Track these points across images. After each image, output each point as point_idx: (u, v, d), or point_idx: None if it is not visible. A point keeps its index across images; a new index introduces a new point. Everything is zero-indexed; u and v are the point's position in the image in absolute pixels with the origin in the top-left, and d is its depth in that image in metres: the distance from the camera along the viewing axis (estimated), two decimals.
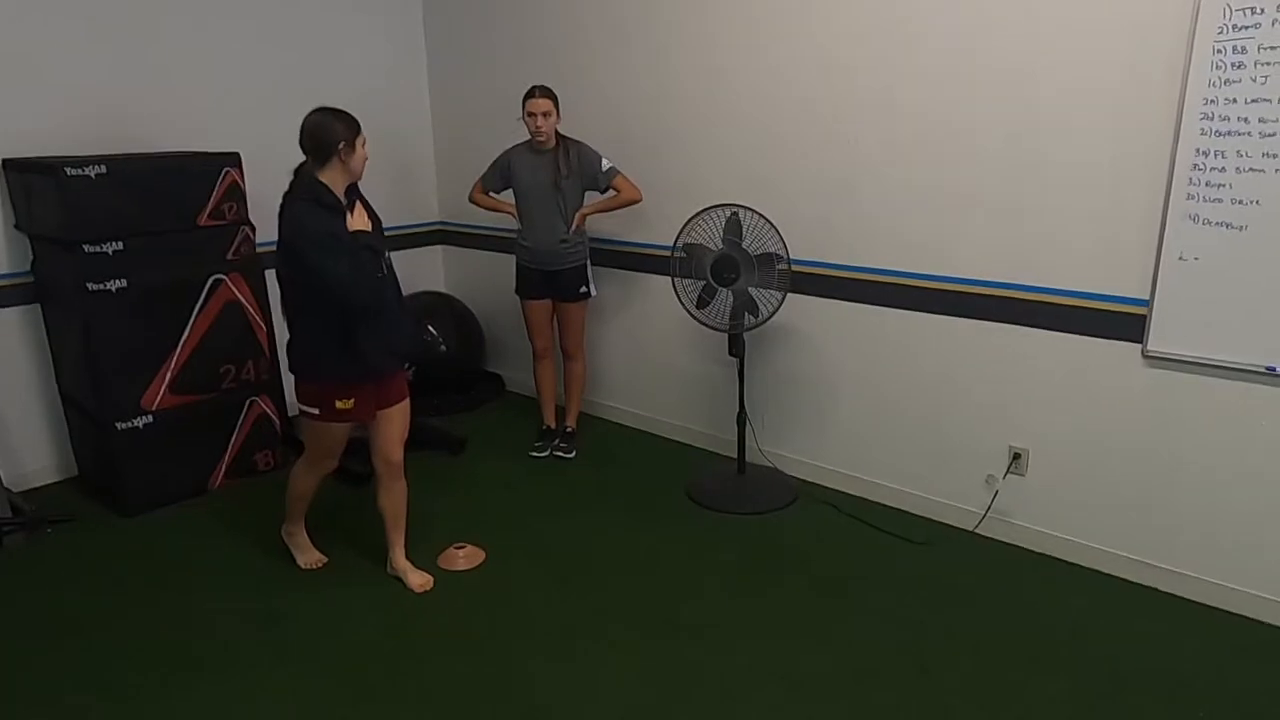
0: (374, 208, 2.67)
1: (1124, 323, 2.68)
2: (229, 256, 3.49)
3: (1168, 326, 2.60)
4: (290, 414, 3.64)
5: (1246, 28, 2.33)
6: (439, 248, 4.97)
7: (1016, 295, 2.89)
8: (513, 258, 3.79)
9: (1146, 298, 2.62)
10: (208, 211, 3.41)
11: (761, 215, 3.18)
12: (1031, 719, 2.19)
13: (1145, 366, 2.67)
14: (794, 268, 3.22)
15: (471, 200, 3.76)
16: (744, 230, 3.21)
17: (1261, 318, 2.44)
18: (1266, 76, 2.32)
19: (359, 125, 2.54)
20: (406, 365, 2.82)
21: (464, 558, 2.96)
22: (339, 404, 2.62)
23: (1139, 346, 2.66)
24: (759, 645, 2.52)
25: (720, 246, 3.25)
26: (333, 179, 2.51)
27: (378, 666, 2.44)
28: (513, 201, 3.69)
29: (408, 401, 2.79)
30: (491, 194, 3.73)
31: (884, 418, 3.32)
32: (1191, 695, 2.26)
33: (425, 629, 2.63)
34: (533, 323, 3.82)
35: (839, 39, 3.10)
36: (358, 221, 2.53)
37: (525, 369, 4.07)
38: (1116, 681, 2.32)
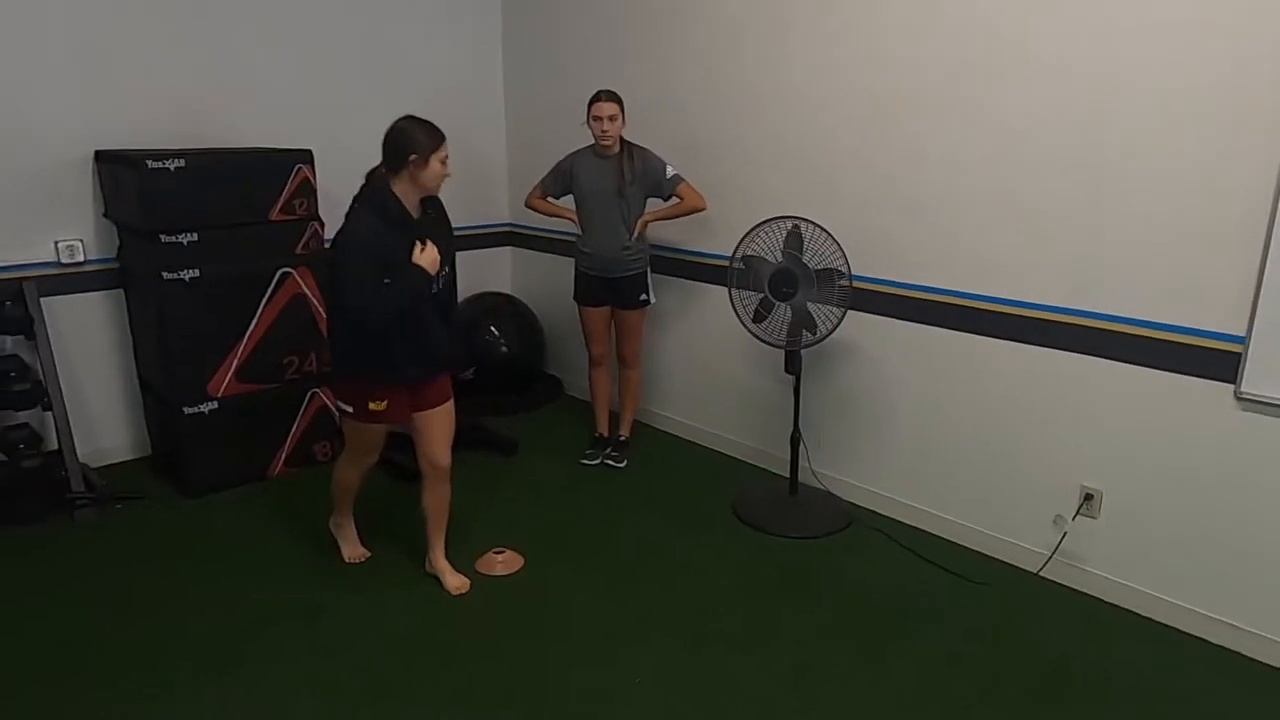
0: (447, 215, 2.69)
1: (1214, 360, 2.47)
2: (297, 251, 3.58)
3: (1266, 366, 2.38)
4: None
5: None
6: (507, 249, 5.01)
7: (1093, 324, 2.69)
8: (575, 264, 3.77)
9: (1243, 334, 2.40)
10: (279, 206, 3.51)
11: (823, 229, 3.07)
12: None
13: (1238, 409, 2.45)
14: (855, 284, 3.10)
15: (528, 205, 3.75)
16: (805, 243, 3.11)
17: None
18: None
19: (442, 139, 2.49)
20: (465, 369, 2.84)
21: (502, 563, 2.95)
22: (372, 405, 2.62)
23: (1231, 387, 2.44)
24: (801, 668, 2.42)
25: (780, 260, 3.16)
26: (404, 189, 2.49)
27: (411, 666, 2.45)
28: (572, 207, 3.68)
29: (451, 404, 2.78)
30: (550, 199, 3.71)
31: (946, 446, 3.15)
32: None
33: (460, 632, 2.62)
34: (590, 329, 3.79)
35: (906, 35, 2.97)
36: (427, 256, 2.49)
37: (584, 373, 4.05)
38: None
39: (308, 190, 3.57)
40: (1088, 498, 2.79)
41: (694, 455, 4.00)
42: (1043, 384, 2.85)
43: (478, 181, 4.73)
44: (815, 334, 3.16)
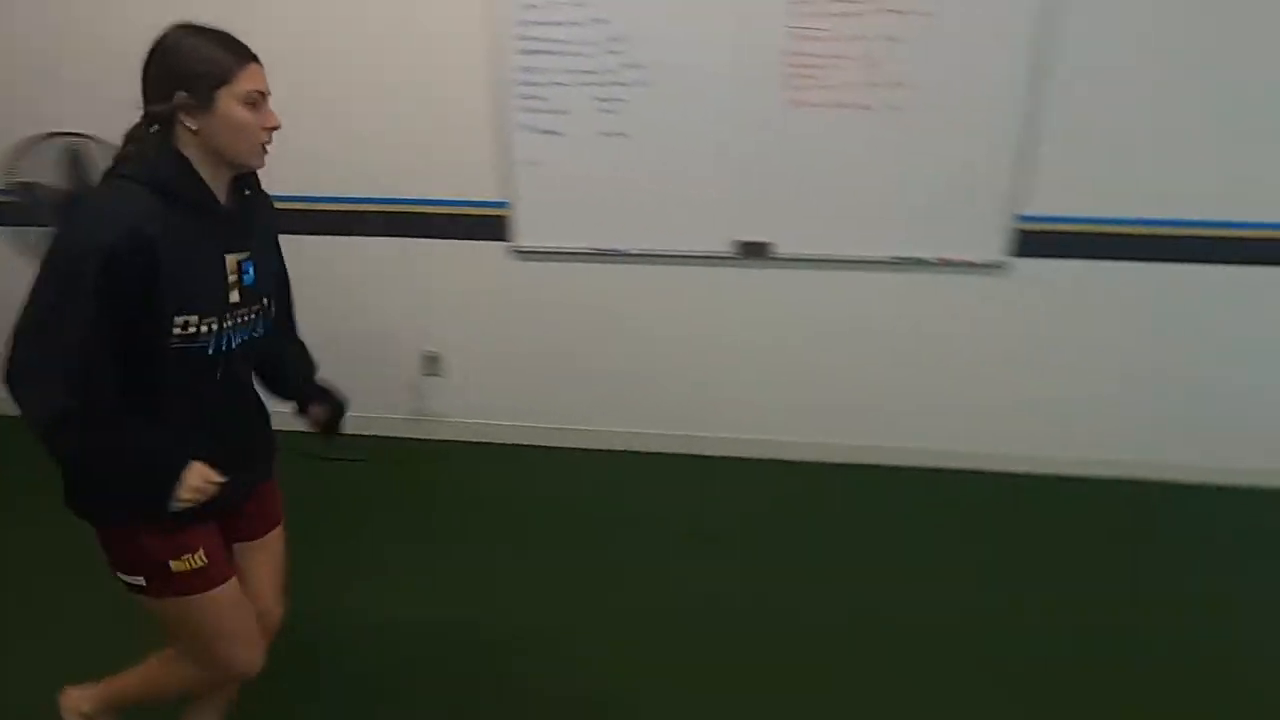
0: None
1: (494, 225, 3.02)
2: None
3: (525, 224, 3.00)
4: None
5: None
6: None
7: (399, 209, 3.03)
8: None
9: (506, 199, 2.97)
10: None
11: (110, 145, 2.76)
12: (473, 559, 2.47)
13: (515, 259, 3.06)
14: None
15: None
16: (89, 163, 2.77)
17: (586, 210, 2.95)
18: (555, 3, 2.73)
19: (248, 59, 1.36)
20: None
21: None
22: (175, 564, 1.44)
23: (508, 244, 3.04)
24: None
25: (63, 183, 2.77)
26: (195, 156, 1.35)
27: None
28: None
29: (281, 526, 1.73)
30: None
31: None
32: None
33: None
34: None
35: None
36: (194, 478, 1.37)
37: None
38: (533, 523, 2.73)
39: None
40: (431, 359, 3.22)
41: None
42: (374, 269, 3.13)
43: None
44: None
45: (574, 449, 3.24)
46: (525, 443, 3.26)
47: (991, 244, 2.86)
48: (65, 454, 1.33)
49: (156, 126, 1.33)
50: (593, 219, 2.97)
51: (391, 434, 3.30)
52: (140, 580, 1.44)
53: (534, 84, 2.83)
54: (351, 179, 3.02)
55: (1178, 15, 2.52)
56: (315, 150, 2.97)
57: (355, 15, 2.82)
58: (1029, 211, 2.77)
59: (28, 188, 2.77)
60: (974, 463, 3.07)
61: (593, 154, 2.87)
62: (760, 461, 3.14)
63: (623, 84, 2.80)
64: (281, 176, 2.91)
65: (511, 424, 3.27)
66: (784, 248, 2.92)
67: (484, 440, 3.28)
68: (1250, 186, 2.67)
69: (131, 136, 1.34)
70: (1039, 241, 2.80)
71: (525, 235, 3.01)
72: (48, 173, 2.76)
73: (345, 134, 2.96)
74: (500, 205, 2.98)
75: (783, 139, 2.79)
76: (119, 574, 1.46)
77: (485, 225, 3.02)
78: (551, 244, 3.01)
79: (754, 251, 2.92)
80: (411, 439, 3.29)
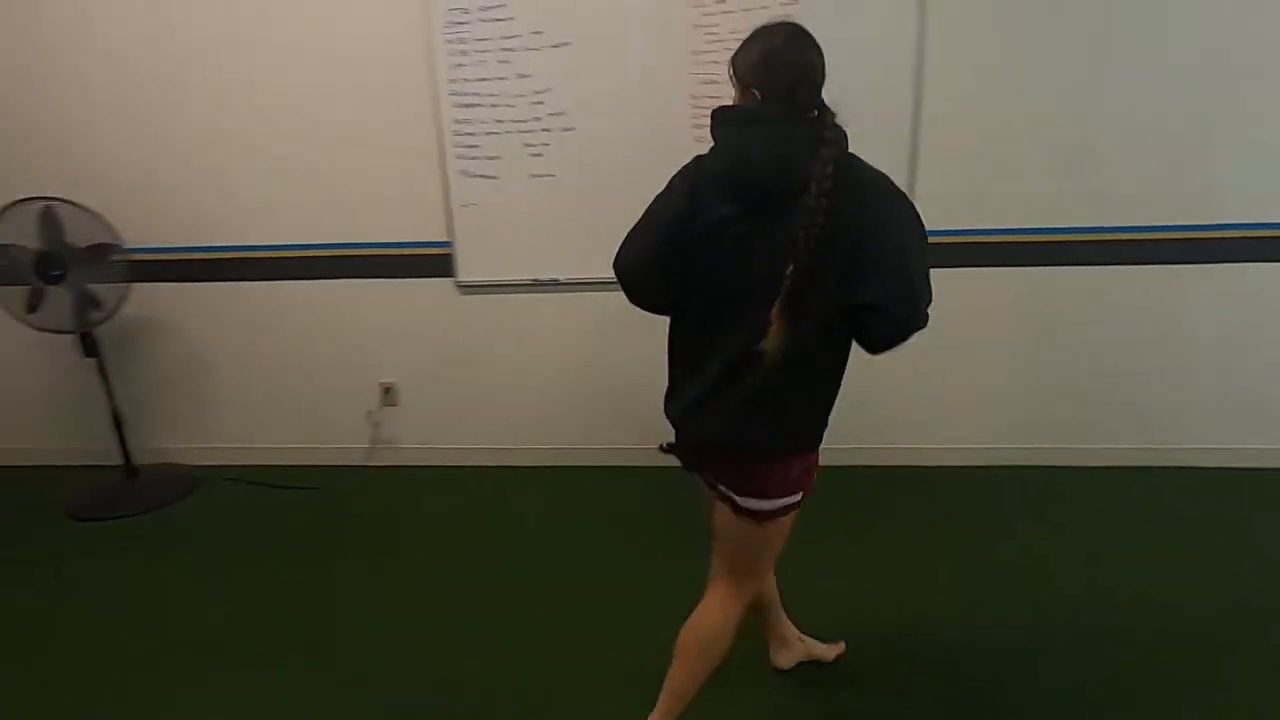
0: None
1: (439, 263, 3.29)
2: None
3: (466, 261, 3.28)
4: None
5: (461, 23, 3.02)
6: None
7: (357, 254, 3.30)
8: None
9: (449, 239, 3.25)
10: None
11: (79, 205, 3.03)
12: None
13: (460, 294, 3.33)
14: (134, 256, 3.16)
15: None
16: (62, 224, 3.03)
17: (523, 246, 3.23)
18: (483, 60, 3.05)
19: None
20: None
21: None
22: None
23: (453, 280, 3.30)
24: (166, 623, 2.54)
25: (38, 244, 3.02)
26: None
27: None
28: None
29: None
30: None
31: (264, 385, 3.50)
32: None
33: None
34: None
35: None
36: None
37: None
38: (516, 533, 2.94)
39: None
40: (386, 390, 3.46)
41: (4, 478, 3.56)
42: (330, 309, 3.38)
43: None
44: (103, 310, 3.14)
45: (521, 467, 3.47)
46: (477, 464, 3.49)
47: None
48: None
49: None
50: (528, 253, 3.24)
51: (351, 463, 3.52)
52: (797, 497, 1.68)
53: (469, 134, 3.13)
54: (306, 226, 3.28)
55: (1018, 52, 2.88)
56: (276, 199, 3.25)
57: (309, 72, 3.12)
58: None
59: (5, 250, 3.02)
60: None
61: (524, 194, 3.17)
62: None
63: (548, 130, 3.11)
64: (243, 225, 3.23)
65: (461, 447, 3.50)
66: None
67: (436, 464, 3.50)
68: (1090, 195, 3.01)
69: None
70: None
71: (466, 271, 3.28)
72: (23, 235, 3.01)
73: (303, 185, 3.23)
74: (444, 245, 3.25)
75: None
76: (779, 498, 1.65)
77: (432, 264, 3.28)
78: (492, 278, 3.28)
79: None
80: (370, 466, 3.51)
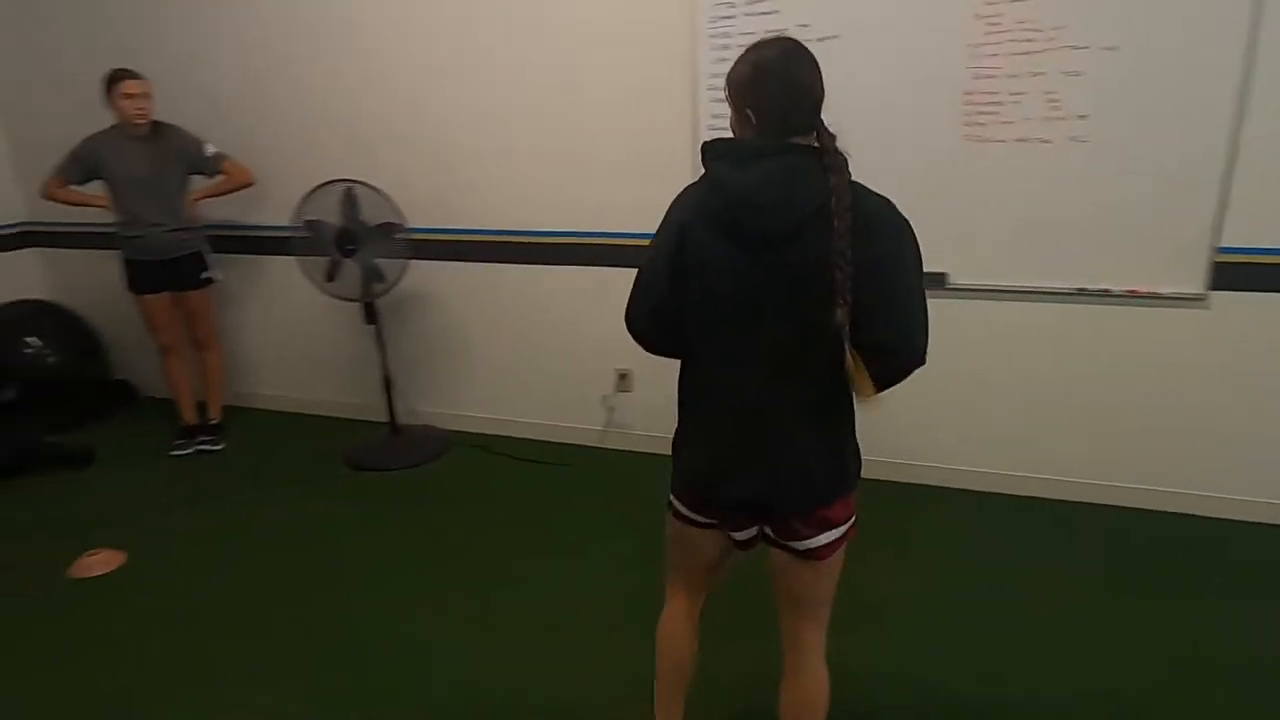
0: None
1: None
2: None
3: None
4: None
5: (727, 17, 3.01)
6: (30, 251, 4.46)
7: (603, 243, 3.42)
8: (121, 254, 3.58)
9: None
10: None
11: (373, 188, 3.39)
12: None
13: None
14: (417, 235, 3.49)
15: (48, 196, 3.48)
16: (359, 203, 3.40)
17: None
18: None
19: None
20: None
21: (101, 562, 2.85)
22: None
23: None
24: (413, 575, 2.80)
25: (339, 221, 3.41)
26: None
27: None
28: (101, 194, 3.49)
29: None
30: (74, 187, 3.48)
31: (513, 362, 3.74)
32: None
33: (50, 641, 2.52)
34: (152, 318, 3.66)
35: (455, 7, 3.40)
36: None
37: (158, 371, 3.88)
38: None
39: None
40: (622, 376, 3.57)
41: (296, 424, 4.10)
42: (578, 294, 3.54)
43: None
44: (385, 283, 3.49)
45: None
46: None
47: (1188, 276, 2.78)
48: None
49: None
50: None
51: (585, 442, 3.68)
52: (851, 521, 1.59)
53: (722, 129, 3.12)
54: (563, 215, 3.45)
55: None
56: (536, 188, 3.44)
57: (572, 70, 3.27)
58: (1229, 244, 2.68)
59: (313, 225, 3.44)
60: (1156, 503, 2.96)
61: None
62: (922, 487, 3.20)
63: None
64: (506, 212, 3.46)
65: None
66: (959, 278, 3.00)
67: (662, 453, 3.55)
68: None
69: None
70: (1239, 274, 2.70)
71: None
72: (328, 212, 3.41)
73: (562, 176, 3.40)
74: None
75: (960, 173, 2.89)
76: (839, 529, 1.56)
77: None
78: None
79: (930, 283, 3.01)
80: (603, 448, 3.65)
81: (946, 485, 3.20)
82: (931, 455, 3.21)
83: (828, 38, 2.92)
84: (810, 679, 1.67)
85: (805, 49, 1.43)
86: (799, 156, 1.40)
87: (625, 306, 1.58)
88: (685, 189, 1.53)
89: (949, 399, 3.12)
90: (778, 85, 1.41)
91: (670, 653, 1.81)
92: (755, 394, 1.48)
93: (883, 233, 1.41)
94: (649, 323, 1.57)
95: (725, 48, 3.04)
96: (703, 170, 1.48)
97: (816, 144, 1.41)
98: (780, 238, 1.40)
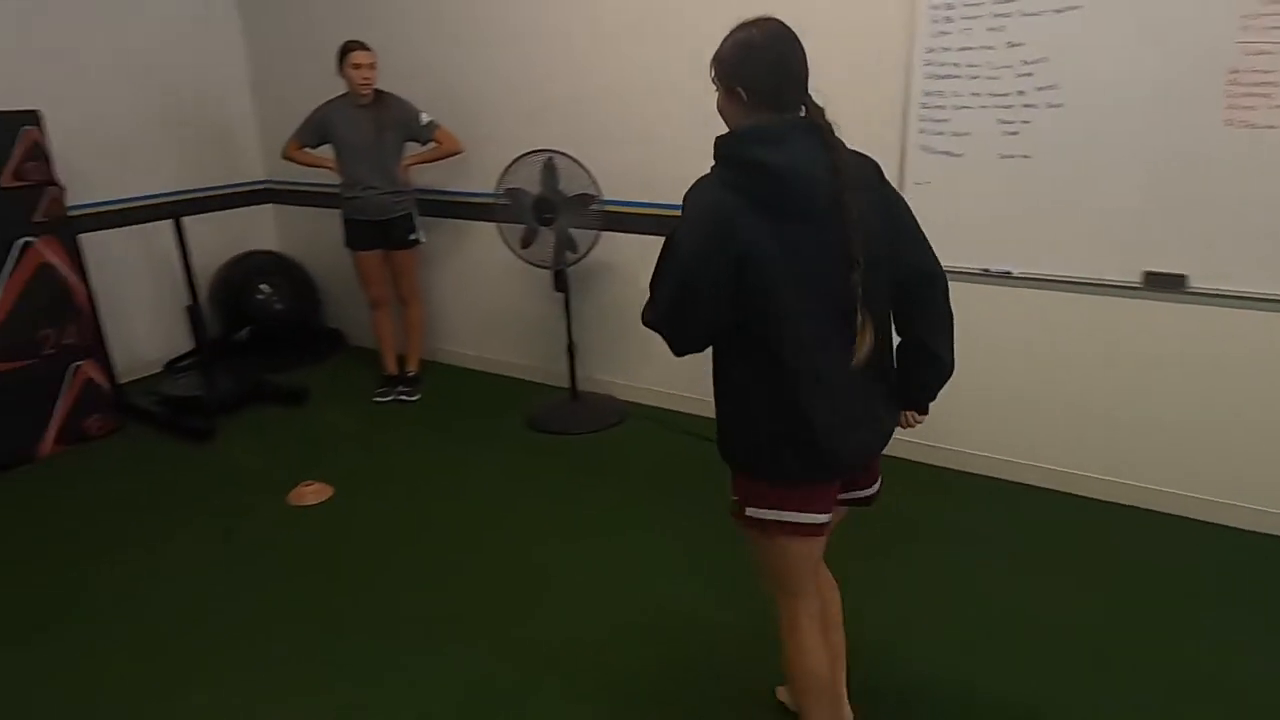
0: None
1: None
2: (37, 219, 3.41)
3: None
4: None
5: None
6: (269, 207, 4.95)
7: None
8: (341, 213, 3.89)
9: None
10: (9, 171, 3.31)
11: (573, 159, 3.46)
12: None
13: None
14: (607, 207, 3.54)
15: (286, 157, 3.82)
16: (558, 174, 3.49)
17: (977, 231, 2.98)
18: (969, 29, 2.82)
19: None
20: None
21: (313, 493, 3.13)
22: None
23: None
24: (595, 542, 2.87)
25: (538, 190, 3.52)
26: None
27: (242, 590, 2.61)
28: (330, 157, 3.79)
29: None
30: (308, 149, 3.80)
31: None
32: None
33: (273, 560, 2.80)
34: (365, 273, 3.95)
35: None
36: None
37: (366, 325, 4.20)
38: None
39: (39, 154, 3.39)
40: None
41: (483, 382, 4.32)
42: None
43: (223, 139, 4.62)
44: (577, 253, 3.58)
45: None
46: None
47: None
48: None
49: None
50: (981, 239, 2.98)
51: None
52: None
53: (939, 106, 2.94)
54: None
55: None
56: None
57: None
58: None
59: (513, 193, 3.57)
60: None
61: (989, 176, 2.90)
62: (1161, 515, 2.89)
63: (1031, 105, 2.79)
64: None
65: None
66: (1201, 282, 2.66)
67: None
68: None
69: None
70: None
71: None
72: (528, 181, 3.53)
73: None
74: None
75: (1218, 162, 2.56)
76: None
77: None
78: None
79: (1165, 284, 2.71)
80: None
81: (1177, 513, 2.88)
82: (1137, 475, 2.90)
83: (1067, 9, 2.66)
84: (834, 606, 1.89)
85: (788, 28, 1.48)
86: (808, 129, 1.48)
87: (647, 311, 1.64)
88: (700, 189, 1.50)
89: (1175, 413, 2.80)
90: (769, 62, 1.46)
91: (817, 671, 1.74)
92: (842, 357, 1.51)
93: (878, 176, 1.56)
94: (701, 342, 1.61)
95: (948, 19, 2.84)
96: (715, 163, 1.51)
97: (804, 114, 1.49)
98: (825, 208, 1.45)
